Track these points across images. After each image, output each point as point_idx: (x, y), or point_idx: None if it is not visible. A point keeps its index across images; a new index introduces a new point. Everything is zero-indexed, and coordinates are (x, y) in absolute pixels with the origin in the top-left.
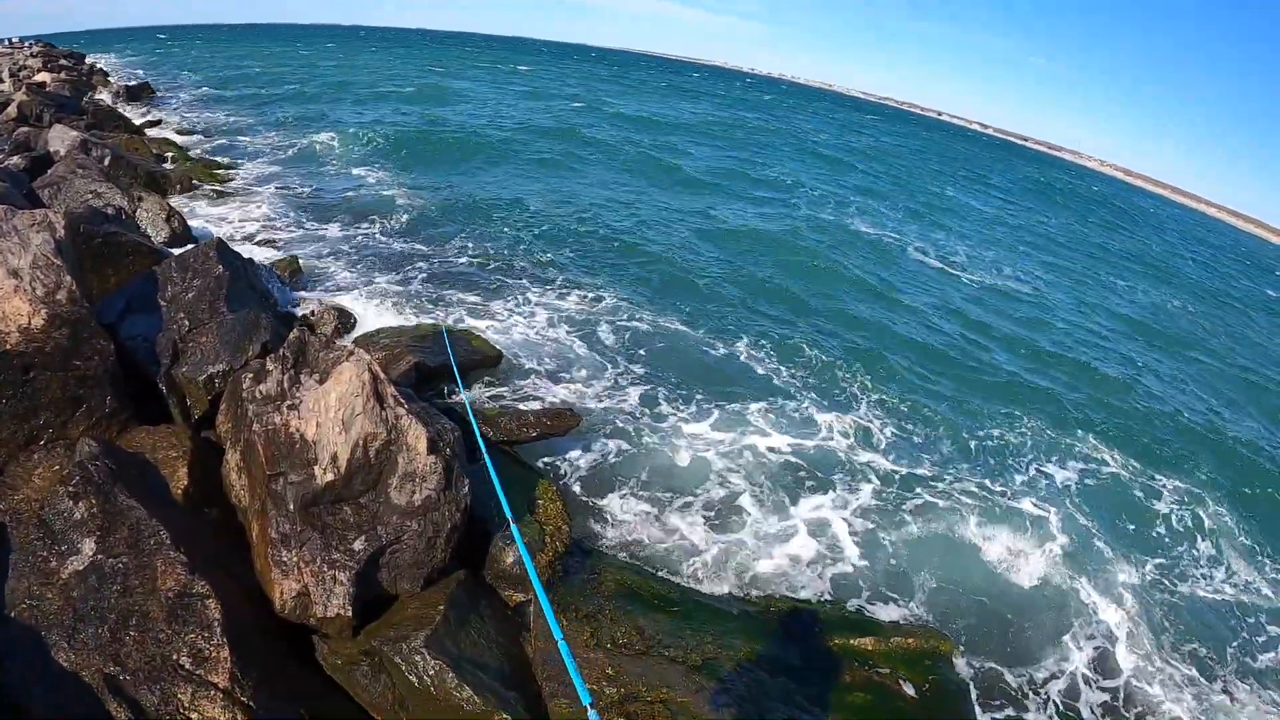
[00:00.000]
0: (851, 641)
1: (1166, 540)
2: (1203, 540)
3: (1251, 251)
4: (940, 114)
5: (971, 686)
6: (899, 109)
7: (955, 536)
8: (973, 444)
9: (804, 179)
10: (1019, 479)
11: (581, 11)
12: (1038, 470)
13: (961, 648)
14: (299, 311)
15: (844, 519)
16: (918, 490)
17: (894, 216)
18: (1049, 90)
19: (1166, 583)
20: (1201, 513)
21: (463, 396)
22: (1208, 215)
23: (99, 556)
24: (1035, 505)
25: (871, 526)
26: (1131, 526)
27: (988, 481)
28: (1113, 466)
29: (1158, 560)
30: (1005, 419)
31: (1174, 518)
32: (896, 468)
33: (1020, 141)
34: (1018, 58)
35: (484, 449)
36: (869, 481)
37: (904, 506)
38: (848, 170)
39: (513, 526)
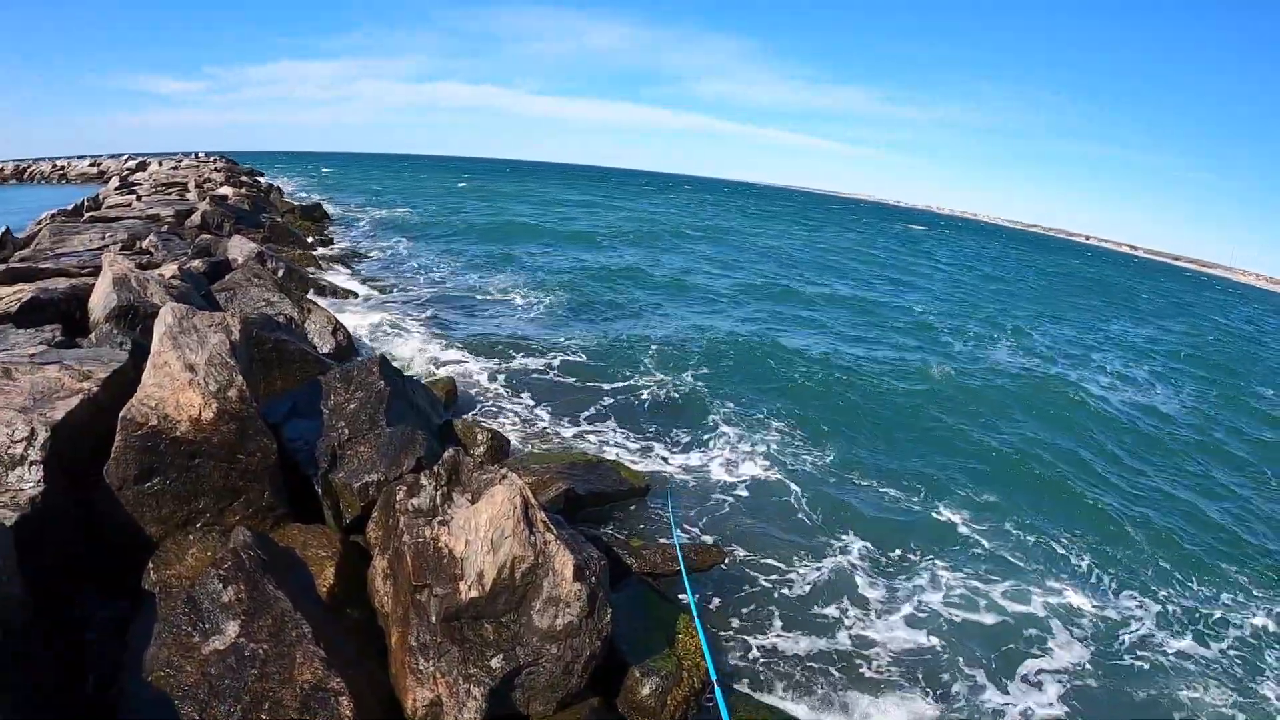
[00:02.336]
0: None
1: None
2: None
3: None
4: (1088, 237)
5: None
6: (1045, 235)
7: None
8: None
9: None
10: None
11: (718, 142)
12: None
13: None
14: (454, 432)
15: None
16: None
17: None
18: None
19: None
20: None
21: (687, 593)
22: None
23: (241, 640)
24: None
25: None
26: None
27: None
28: None
29: None
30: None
31: None
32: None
33: (1173, 261)
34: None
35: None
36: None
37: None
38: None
39: (716, 690)
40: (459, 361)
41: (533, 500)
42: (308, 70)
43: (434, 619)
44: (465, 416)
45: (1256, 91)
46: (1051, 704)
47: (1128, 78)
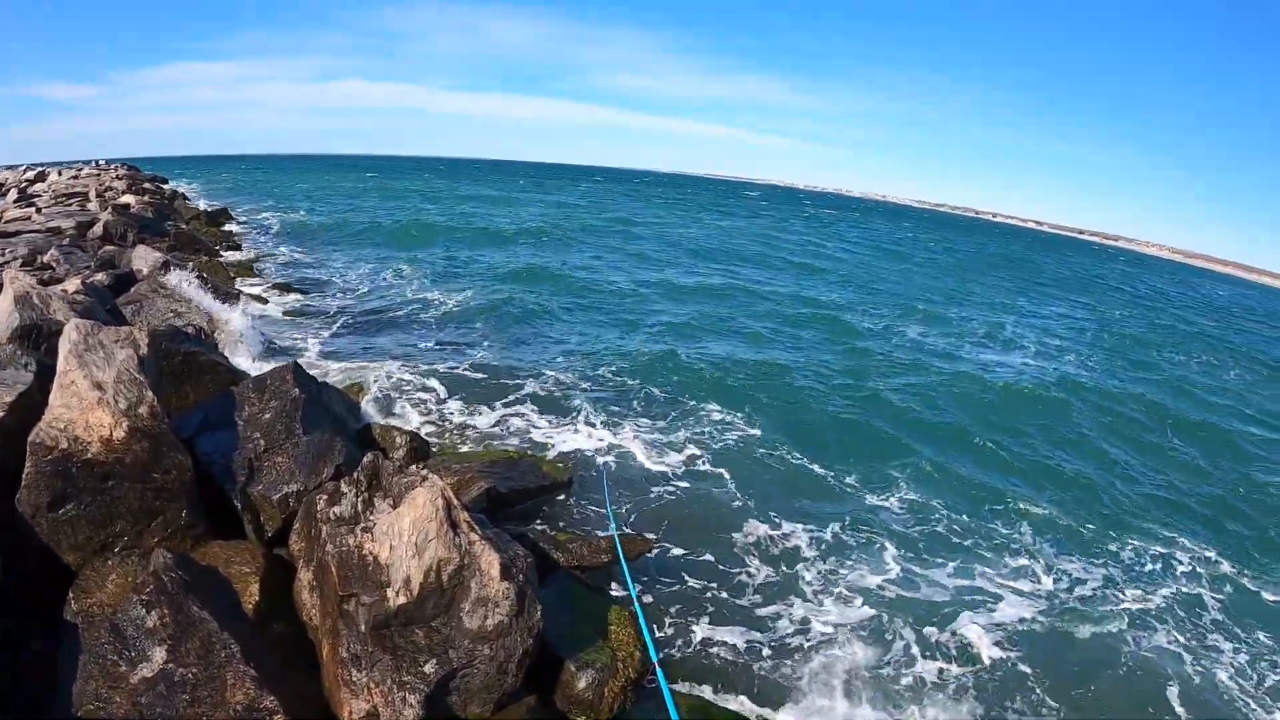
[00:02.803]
0: None
1: None
2: None
3: None
4: (995, 215)
5: None
6: (952, 214)
7: None
8: None
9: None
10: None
11: (630, 137)
12: None
13: None
14: (373, 436)
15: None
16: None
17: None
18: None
19: None
20: None
21: (629, 584)
22: None
23: (169, 665)
24: None
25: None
26: None
27: None
28: None
29: None
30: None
31: None
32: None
33: (1078, 235)
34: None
35: (634, 594)
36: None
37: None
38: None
39: (658, 671)
40: (374, 365)
41: (455, 501)
42: (206, 72)
43: (363, 628)
44: (383, 420)
45: (1157, 75)
46: (992, 674)
47: (1029, 64)
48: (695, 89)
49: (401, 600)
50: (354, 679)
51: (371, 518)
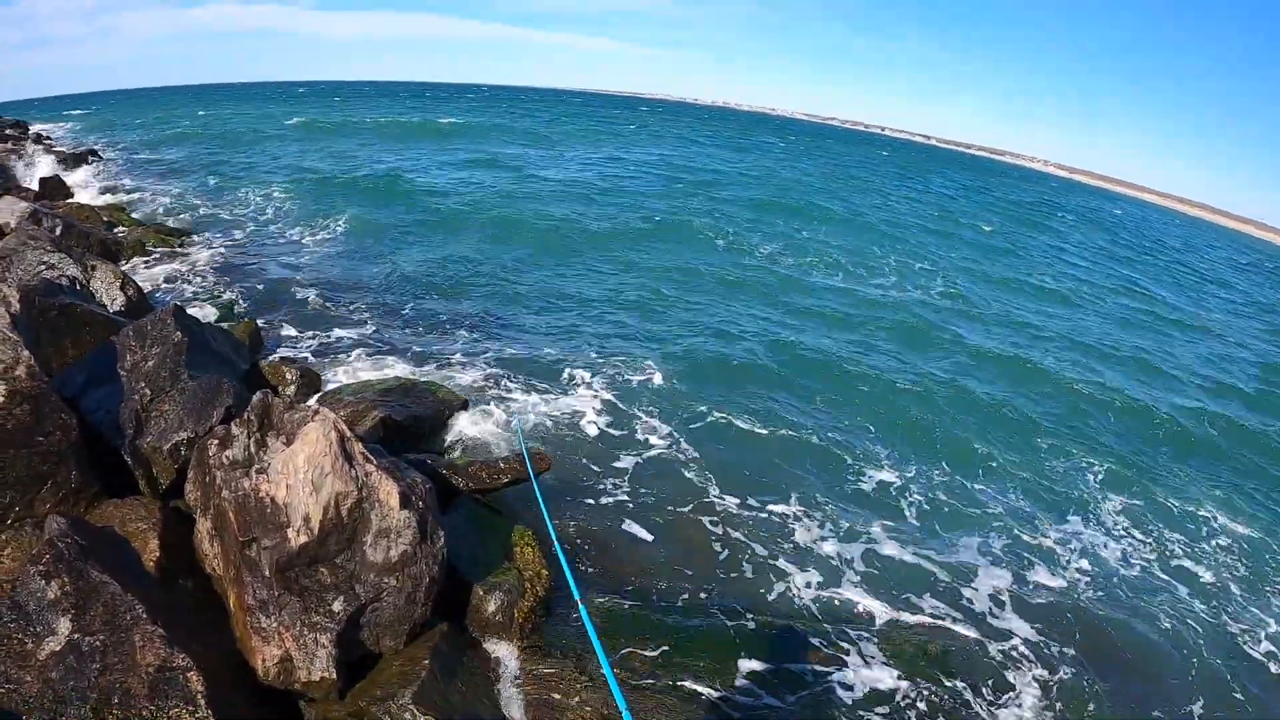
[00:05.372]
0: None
1: None
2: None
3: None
4: (884, 129)
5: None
6: (847, 129)
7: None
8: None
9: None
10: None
11: (510, 52)
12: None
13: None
14: (262, 374)
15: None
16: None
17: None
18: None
19: None
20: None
21: (540, 502)
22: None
23: (75, 635)
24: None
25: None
26: None
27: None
28: None
29: None
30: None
31: None
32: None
33: (965, 150)
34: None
35: (554, 534)
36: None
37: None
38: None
39: (581, 608)
40: (260, 300)
41: (348, 433)
42: (59, 3)
43: (267, 572)
44: (272, 357)
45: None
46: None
47: None
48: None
49: (303, 539)
50: (263, 625)
51: (265, 458)
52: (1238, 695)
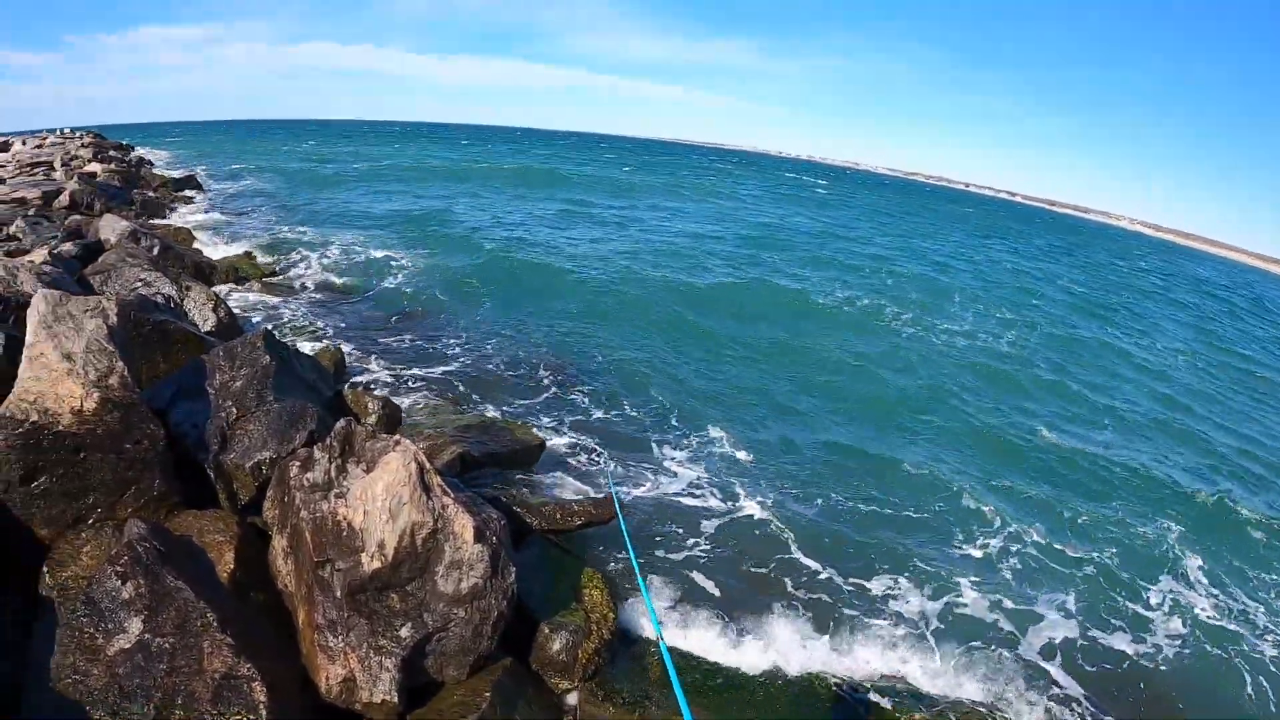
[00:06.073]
0: (905, 716)
1: None
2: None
3: None
4: (968, 185)
5: None
6: (926, 183)
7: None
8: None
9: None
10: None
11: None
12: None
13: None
14: (345, 403)
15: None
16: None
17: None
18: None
19: None
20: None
21: (633, 562)
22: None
23: (146, 635)
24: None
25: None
26: None
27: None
28: None
29: None
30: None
31: None
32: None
33: (1048, 206)
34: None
35: (641, 584)
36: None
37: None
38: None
39: (661, 644)
40: (347, 332)
41: (428, 465)
42: (170, 35)
43: (339, 594)
44: (356, 386)
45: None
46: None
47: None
48: (666, 51)
49: (376, 565)
50: (330, 644)
51: (345, 483)
52: None
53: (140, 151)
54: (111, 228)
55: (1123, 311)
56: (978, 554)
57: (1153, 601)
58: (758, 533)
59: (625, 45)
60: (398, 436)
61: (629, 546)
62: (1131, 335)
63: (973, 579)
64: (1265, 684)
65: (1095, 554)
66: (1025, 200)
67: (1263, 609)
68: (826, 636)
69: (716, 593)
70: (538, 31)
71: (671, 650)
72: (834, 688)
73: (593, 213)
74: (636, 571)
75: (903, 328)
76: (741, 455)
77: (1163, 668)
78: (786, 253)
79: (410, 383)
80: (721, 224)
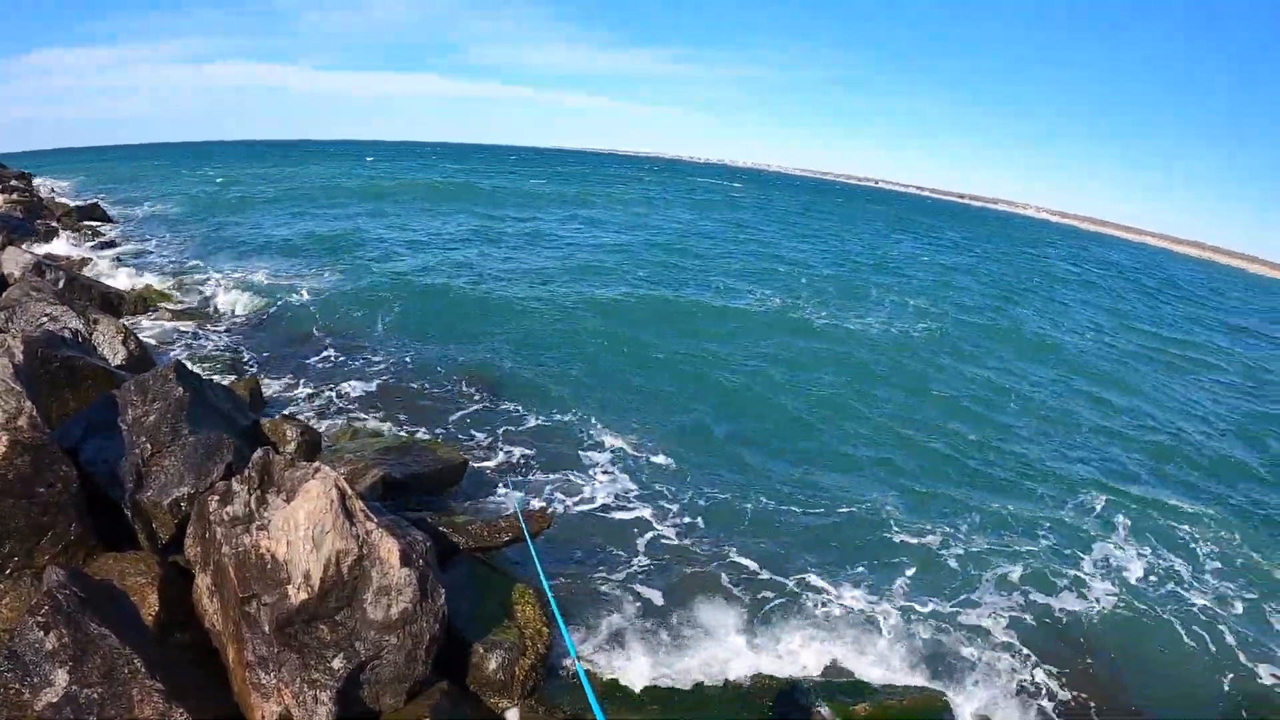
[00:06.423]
0: (848, 708)
1: None
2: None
3: None
4: (878, 182)
5: None
6: (837, 182)
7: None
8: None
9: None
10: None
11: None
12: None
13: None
14: (263, 432)
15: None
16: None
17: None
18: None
19: None
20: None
21: (533, 554)
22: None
23: (73, 687)
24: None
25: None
26: None
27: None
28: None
29: None
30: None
31: None
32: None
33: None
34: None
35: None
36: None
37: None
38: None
39: (578, 666)
40: (262, 358)
41: (349, 490)
42: (73, 59)
43: (267, 629)
44: (273, 415)
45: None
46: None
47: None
48: (579, 60)
49: (303, 596)
50: (263, 681)
51: (266, 515)
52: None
53: (42, 180)
54: (14, 261)
55: (1034, 296)
56: (911, 541)
57: (1085, 570)
58: (689, 537)
59: (538, 57)
60: (317, 463)
61: (538, 565)
62: (1045, 318)
63: (906, 568)
64: (1199, 631)
65: (1024, 532)
66: (934, 194)
67: (1188, 566)
68: (766, 637)
69: (654, 600)
70: (450, 45)
71: (608, 664)
72: (778, 688)
73: (505, 228)
74: (548, 592)
75: (821, 327)
76: (664, 460)
77: (1099, 629)
78: (700, 259)
79: (329, 407)
80: (633, 232)
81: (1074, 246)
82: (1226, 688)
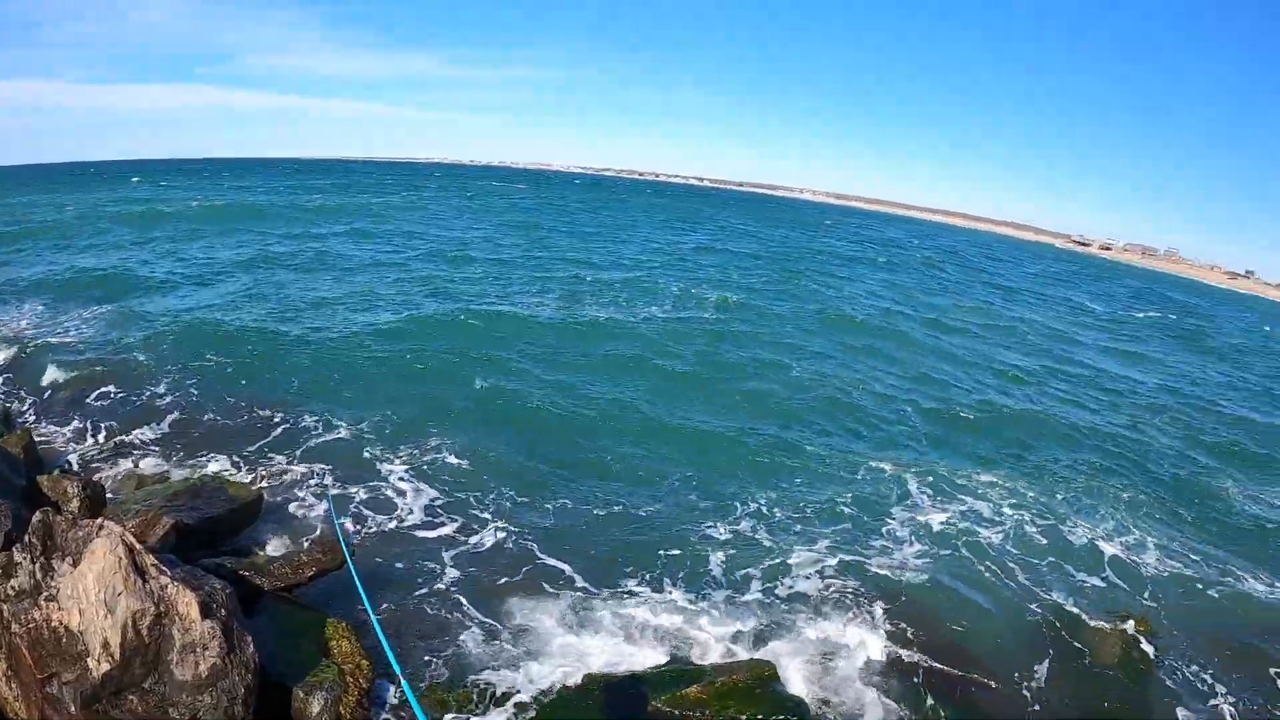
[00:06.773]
0: (680, 694)
1: None
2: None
3: None
4: (657, 175)
5: (806, 699)
6: (617, 177)
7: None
8: None
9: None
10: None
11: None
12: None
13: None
14: (41, 490)
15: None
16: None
17: None
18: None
19: None
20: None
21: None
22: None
23: None
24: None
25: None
26: None
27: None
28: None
29: None
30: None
31: None
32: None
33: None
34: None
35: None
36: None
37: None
38: None
39: (404, 684)
40: (36, 410)
41: (136, 545)
42: None
43: (73, 709)
44: (52, 470)
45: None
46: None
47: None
48: (351, 66)
49: (105, 667)
50: None
51: (53, 583)
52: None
53: None
54: None
55: (815, 274)
56: (721, 527)
57: (889, 530)
58: (503, 547)
59: (315, 63)
60: (101, 520)
61: (358, 584)
62: (828, 290)
63: (720, 550)
64: (994, 569)
65: (828, 505)
66: (713, 184)
67: (986, 505)
68: (595, 638)
69: (476, 614)
70: (218, 54)
71: (437, 679)
72: (612, 685)
73: (284, 249)
74: (369, 609)
75: (604, 323)
76: (466, 465)
77: (909, 579)
78: (481, 265)
79: (114, 454)
80: (413, 243)
81: (857, 225)
82: (1027, 616)
